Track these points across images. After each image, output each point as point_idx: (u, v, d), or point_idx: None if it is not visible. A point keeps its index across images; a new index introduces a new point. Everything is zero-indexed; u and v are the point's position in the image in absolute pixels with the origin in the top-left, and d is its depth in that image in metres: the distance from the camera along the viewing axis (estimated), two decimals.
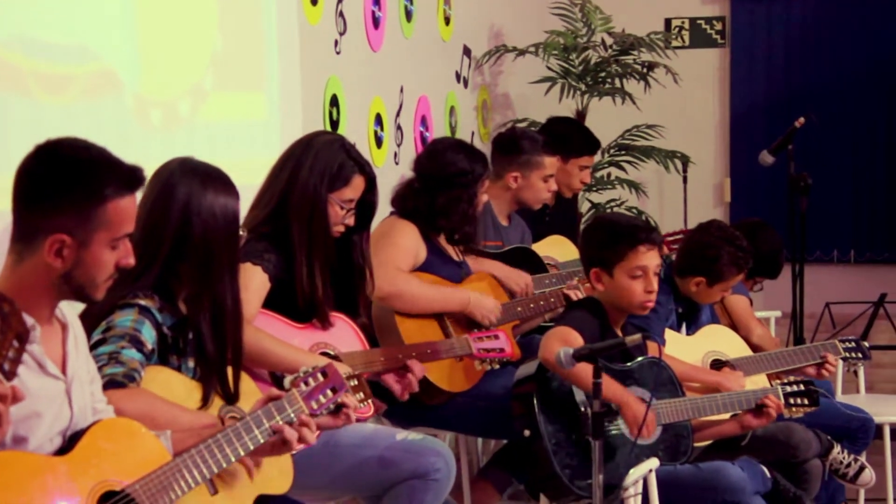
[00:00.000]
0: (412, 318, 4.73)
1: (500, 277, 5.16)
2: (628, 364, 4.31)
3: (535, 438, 4.15)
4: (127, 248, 2.82)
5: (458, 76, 7.59)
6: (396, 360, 4.21)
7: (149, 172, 2.93)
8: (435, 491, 3.87)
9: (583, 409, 4.11)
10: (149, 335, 3.18)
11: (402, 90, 6.68)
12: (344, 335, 4.13)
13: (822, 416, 4.96)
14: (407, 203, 4.90)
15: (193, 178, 3.32)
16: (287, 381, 3.12)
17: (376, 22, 6.35)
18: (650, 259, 4.31)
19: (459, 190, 4.86)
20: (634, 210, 8.09)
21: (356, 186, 4.12)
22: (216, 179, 3.36)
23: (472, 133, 7.79)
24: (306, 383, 3.10)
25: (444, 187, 4.85)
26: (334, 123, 5.86)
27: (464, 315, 4.83)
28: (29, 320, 2.59)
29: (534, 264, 5.43)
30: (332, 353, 4.04)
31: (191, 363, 3.28)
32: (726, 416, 4.48)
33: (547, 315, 5.16)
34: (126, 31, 4.37)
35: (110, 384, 3.05)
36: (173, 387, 3.19)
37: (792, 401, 4.50)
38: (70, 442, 2.76)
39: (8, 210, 2.78)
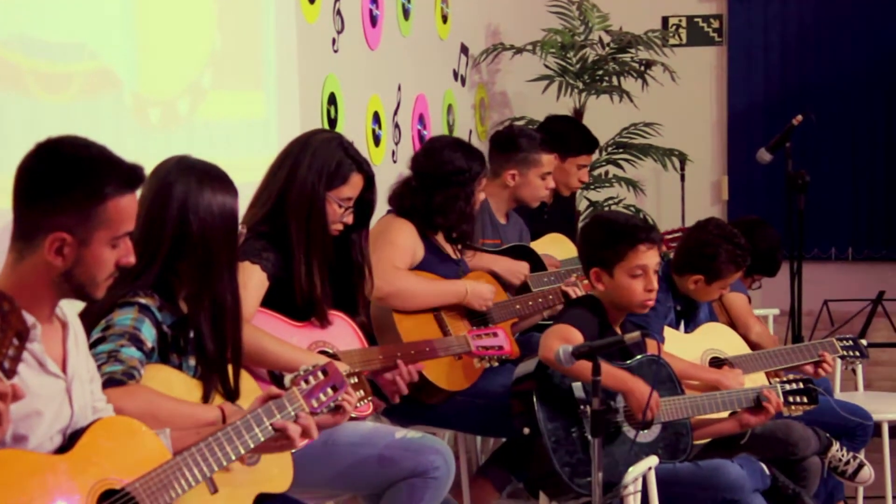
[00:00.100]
0: (410, 316, 4.73)
1: (500, 271, 5.16)
2: (627, 362, 4.31)
3: (535, 436, 4.14)
4: (127, 246, 2.82)
5: (455, 74, 7.59)
6: (394, 359, 4.21)
7: (147, 171, 2.93)
8: (434, 489, 3.87)
9: (583, 407, 4.11)
10: (148, 334, 3.18)
11: (399, 88, 6.68)
12: (342, 333, 4.13)
13: (821, 414, 4.96)
14: (404, 201, 4.90)
15: (191, 177, 3.32)
16: (287, 379, 3.12)
17: (374, 20, 6.35)
18: (650, 258, 4.31)
19: (456, 188, 4.86)
20: (632, 208, 8.09)
21: (354, 185, 4.12)
22: (214, 177, 3.35)
23: (470, 131, 7.79)
24: (306, 381, 3.10)
25: (442, 185, 4.85)
26: (332, 122, 5.86)
27: (462, 308, 4.84)
28: (29, 319, 2.58)
29: (532, 262, 5.43)
30: (330, 351, 4.04)
31: (191, 361, 3.28)
32: (725, 414, 4.48)
33: (546, 312, 5.17)
34: (125, 30, 4.37)
35: (110, 382, 3.04)
36: (173, 385, 3.19)
37: (791, 399, 4.50)
38: (70, 440, 2.76)
39: (6, 208, 2.77)
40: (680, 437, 4.35)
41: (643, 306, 4.33)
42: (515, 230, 5.72)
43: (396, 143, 6.62)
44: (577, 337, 4.09)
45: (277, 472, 3.30)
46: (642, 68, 7.99)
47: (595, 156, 7.12)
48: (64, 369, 2.81)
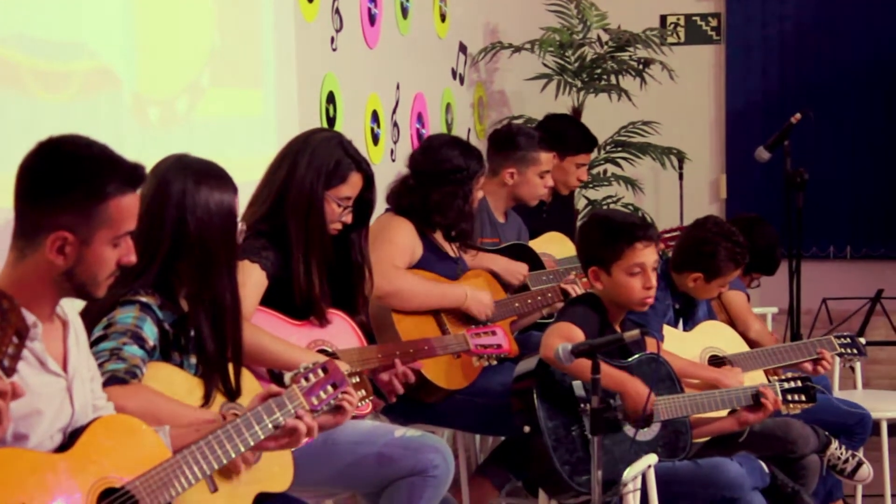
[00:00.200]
0: (409, 315, 4.72)
1: (499, 271, 5.16)
2: (627, 360, 4.31)
3: (535, 434, 4.14)
4: (128, 245, 2.82)
5: (454, 73, 7.58)
6: (393, 358, 4.21)
7: (147, 170, 2.93)
8: (434, 487, 3.87)
9: (583, 405, 4.11)
10: (150, 332, 3.18)
11: (398, 87, 6.68)
12: (342, 332, 4.13)
13: (820, 412, 4.96)
14: (402, 200, 4.90)
15: (187, 176, 3.32)
16: (287, 377, 3.12)
17: (372, 19, 6.35)
18: (648, 256, 4.31)
19: (454, 186, 4.86)
20: (630, 207, 8.09)
21: (353, 184, 4.12)
22: (211, 176, 3.35)
23: (469, 130, 7.79)
24: (306, 379, 3.09)
25: (439, 184, 4.85)
26: (331, 120, 5.86)
27: (460, 311, 4.83)
28: (30, 317, 2.59)
29: (531, 261, 5.43)
30: (329, 349, 4.04)
31: (193, 360, 3.28)
32: (724, 412, 4.48)
33: (545, 310, 5.17)
34: (123, 29, 4.37)
35: (112, 380, 3.04)
36: (175, 383, 3.19)
37: (789, 397, 4.50)
38: (70, 439, 2.76)
39: (5, 207, 2.77)
40: (679, 435, 4.35)
41: (642, 304, 4.33)
42: (514, 229, 5.72)
43: (395, 142, 6.62)
44: (579, 335, 4.10)
45: (278, 471, 3.30)
46: (641, 67, 7.99)
47: (594, 154, 7.11)
48: (65, 368, 2.81)
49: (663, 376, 4.37)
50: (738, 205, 8.56)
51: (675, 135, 8.39)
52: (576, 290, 4.99)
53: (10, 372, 2.36)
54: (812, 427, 5.05)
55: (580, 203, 8.02)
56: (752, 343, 5.33)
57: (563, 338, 4.02)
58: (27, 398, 2.53)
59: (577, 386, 4.16)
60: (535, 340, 4.98)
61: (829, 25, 8.61)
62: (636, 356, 4.33)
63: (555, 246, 5.88)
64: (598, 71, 8.01)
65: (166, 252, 3.27)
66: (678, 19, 8.94)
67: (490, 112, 8.22)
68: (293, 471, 3.36)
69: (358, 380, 3.28)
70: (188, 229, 3.27)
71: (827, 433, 5.20)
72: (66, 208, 2.72)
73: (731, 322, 5.51)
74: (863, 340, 5.35)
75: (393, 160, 6.50)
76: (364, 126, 6.25)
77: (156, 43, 4.54)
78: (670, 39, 8.60)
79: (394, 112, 6.63)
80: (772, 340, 5.55)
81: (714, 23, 8.91)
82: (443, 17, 7.34)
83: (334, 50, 5.96)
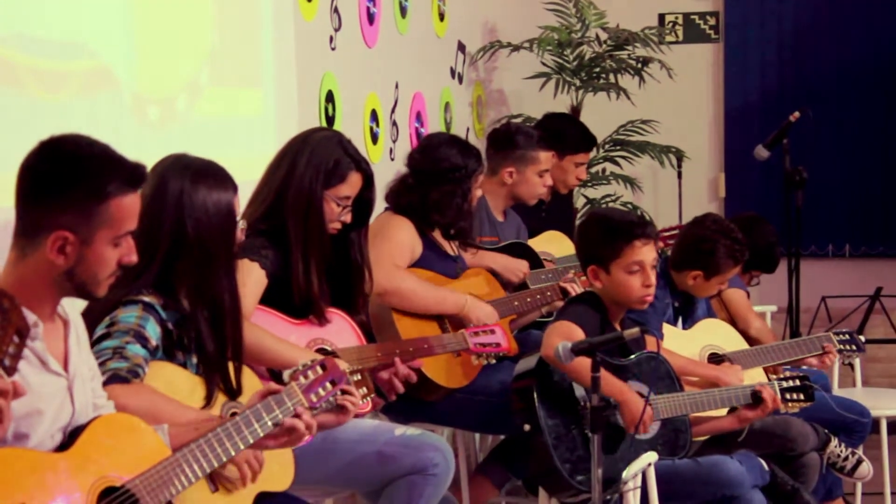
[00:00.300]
0: (409, 314, 4.73)
1: (499, 269, 5.16)
2: (627, 358, 4.31)
3: (535, 433, 4.14)
4: (129, 245, 2.82)
5: (452, 72, 7.59)
6: (392, 356, 4.21)
7: (147, 169, 2.93)
8: (434, 486, 3.87)
9: (583, 403, 4.11)
10: (153, 332, 3.18)
11: (397, 86, 6.69)
12: (341, 331, 4.13)
13: (819, 410, 4.96)
14: (401, 199, 4.90)
15: (186, 175, 3.32)
16: (286, 374, 3.12)
17: (371, 18, 6.35)
18: (646, 254, 4.31)
19: (453, 185, 4.86)
20: (629, 205, 8.09)
21: (353, 183, 4.12)
22: (209, 175, 3.35)
23: (468, 129, 7.79)
24: (305, 376, 3.09)
25: (438, 182, 4.85)
26: (330, 119, 5.86)
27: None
28: (31, 317, 2.59)
29: (530, 260, 5.43)
30: (329, 348, 4.04)
31: (195, 359, 3.28)
32: (724, 410, 4.48)
33: (544, 309, 5.17)
34: (123, 29, 4.37)
35: (114, 379, 3.04)
36: (177, 382, 3.19)
37: (787, 396, 4.50)
38: (70, 438, 2.76)
39: (5, 206, 2.77)
40: (679, 433, 4.36)
41: (641, 302, 4.33)
42: (513, 228, 5.72)
43: (394, 141, 6.62)
44: (579, 334, 4.10)
45: (278, 470, 3.30)
46: (639, 65, 7.99)
47: (592, 153, 7.12)
48: (66, 367, 2.81)
49: (663, 374, 4.37)
50: (737, 203, 8.57)
51: (674, 133, 8.40)
52: (575, 288, 4.99)
53: (11, 371, 2.36)
54: (812, 425, 5.06)
55: (579, 202, 8.03)
56: (752, 341, 5.33)
57: (563, 336, 4.02)
58: (28, 397, 2.53)
59: (578, 384, 4.16)
60: (535, 339, 5.00)
61: (827, 24, 8.61)
62: (636, 354, 4.33)
63: (554, 245, 5.88)
64: (597, 70, 8.02)
65: (166, 252, 3.27)
66: (677, 18, 8.94)
67: (489, 111, 8.23)
68: (294, 470, 3.36)
69: (359, 377, 3.27)
70: (186, 229, 3.27)
71: (826, 431, 5.20)
72: (67, 208, 2.72)
73: (731, 320, 5.51)
74: (862, 337, 5.35)
75: (392, 159, 6.50)
76: (363, 125, 6.25)
77: (155, 42, 4.54)
78: (669, 38, 8.61)
79: (393, 111, 6.63)
80: (772, 338, 5.55)
81: (712, 21, 8.91)
82: (441, 17, 7.34)
83: (333, 49, 5.96)
